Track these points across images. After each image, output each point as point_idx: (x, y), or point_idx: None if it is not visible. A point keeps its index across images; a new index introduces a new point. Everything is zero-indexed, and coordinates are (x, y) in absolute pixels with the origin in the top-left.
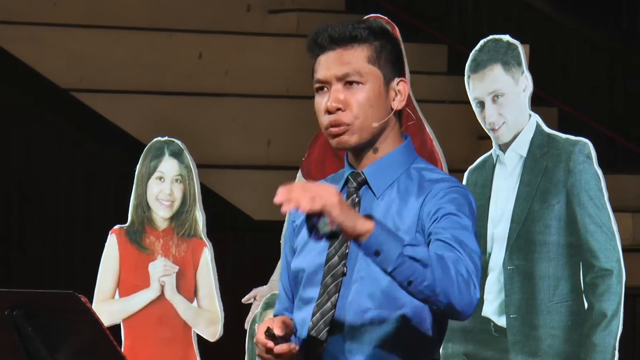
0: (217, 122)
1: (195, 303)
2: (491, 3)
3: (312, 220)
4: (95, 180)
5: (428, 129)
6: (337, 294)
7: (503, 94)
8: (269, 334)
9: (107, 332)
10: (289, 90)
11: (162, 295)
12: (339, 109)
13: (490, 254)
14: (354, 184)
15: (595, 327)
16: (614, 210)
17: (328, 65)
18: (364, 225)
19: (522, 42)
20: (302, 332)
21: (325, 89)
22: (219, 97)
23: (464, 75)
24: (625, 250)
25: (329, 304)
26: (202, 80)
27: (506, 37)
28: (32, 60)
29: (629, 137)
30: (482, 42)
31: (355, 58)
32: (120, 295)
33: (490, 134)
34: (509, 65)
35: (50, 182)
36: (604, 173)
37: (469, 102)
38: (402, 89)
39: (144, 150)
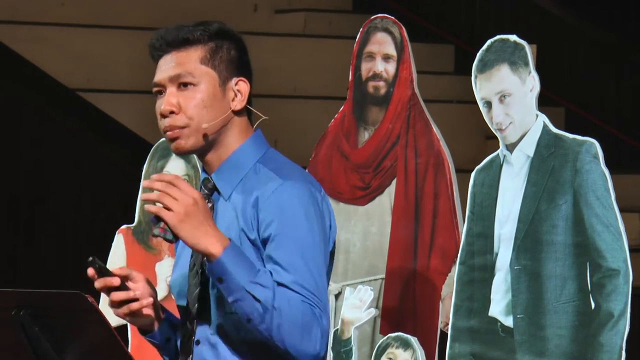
0: None
1: None
2: (498, 3)
3: (151, 217)
4: (103, 180)
5: (435, 129)
6: (198, 295)
7: (510, 94)
8: (94, 264)
9: (114, 332)
10: (296, 90)
11: (169, 295)
12: (172, 112)
13: (497, 254)
14: (205, 190)
15: (602, 327)
16: (621, 210)
17: (162, 68)
18: (211, 248)
19: (529, 42)
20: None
21: (163, 92)
22: None
23: (471, 75)
24: (632, 250)
25: (195, 307)
26: None
27: (513, 37)
28: (38, 60)
29: (636, 137)
30: (489, 42)
31: (188, 59)
32: None
33: (497, 134)
34: (516, 65)
35: (57, 182)
36: (611, 173)
37: (476, 102)
38: (241, 88)
39: (151, 150)
